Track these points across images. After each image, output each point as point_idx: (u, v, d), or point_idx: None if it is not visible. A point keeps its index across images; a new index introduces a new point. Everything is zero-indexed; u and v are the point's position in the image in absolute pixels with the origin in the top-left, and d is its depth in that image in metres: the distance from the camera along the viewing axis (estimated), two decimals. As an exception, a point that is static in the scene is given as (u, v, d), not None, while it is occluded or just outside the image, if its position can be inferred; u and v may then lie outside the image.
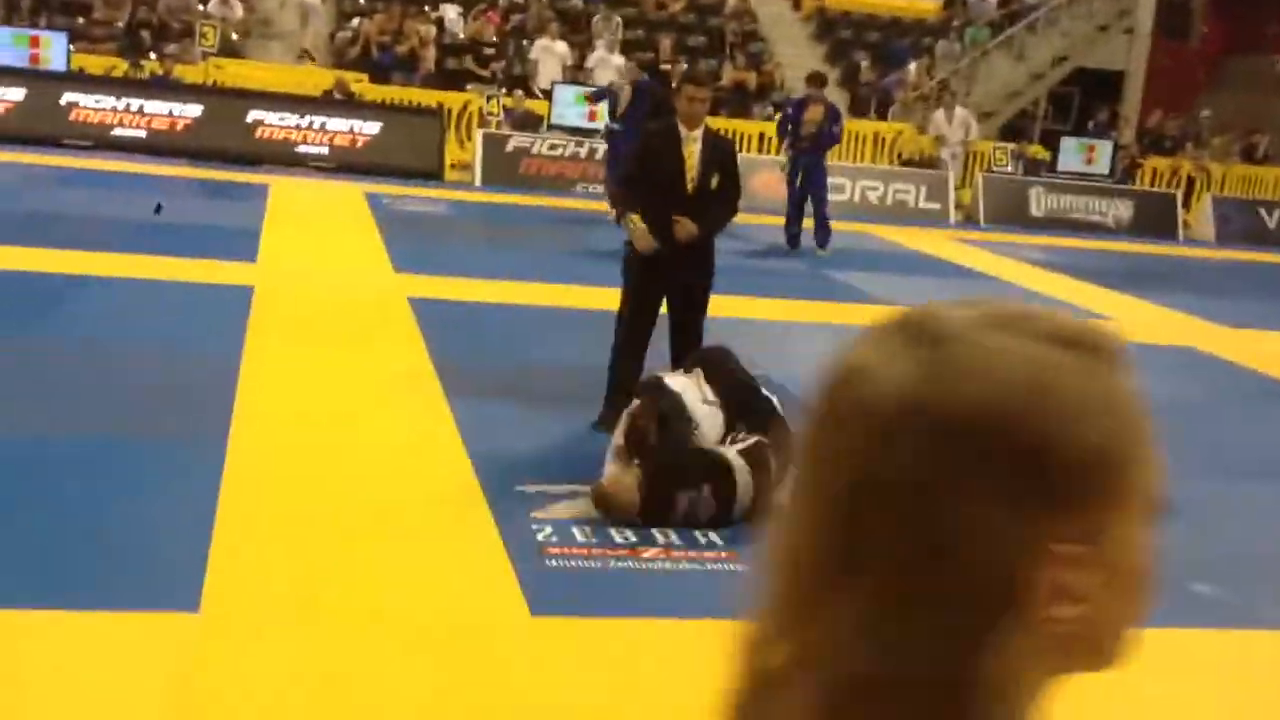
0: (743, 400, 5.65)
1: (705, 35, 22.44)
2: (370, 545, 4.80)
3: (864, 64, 22.03)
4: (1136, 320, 11.42)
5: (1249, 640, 4.69)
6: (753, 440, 5.38)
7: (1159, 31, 27.90)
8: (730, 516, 5.18)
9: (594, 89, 16.50)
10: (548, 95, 17.77)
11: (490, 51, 19.53)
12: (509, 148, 17.07)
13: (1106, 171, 18.90)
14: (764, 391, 5.76)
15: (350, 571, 4.55)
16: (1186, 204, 19.48)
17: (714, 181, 6.43)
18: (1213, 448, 7.31)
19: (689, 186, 6.37)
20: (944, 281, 12.70)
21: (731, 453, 5.32)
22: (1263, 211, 19.36)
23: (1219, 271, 15.95)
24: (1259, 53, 30.49)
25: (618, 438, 5.61)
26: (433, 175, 16.50)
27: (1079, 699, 3.03)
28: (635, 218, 6.32)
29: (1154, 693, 4.20)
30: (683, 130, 6.41)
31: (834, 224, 13.84)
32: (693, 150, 6.39)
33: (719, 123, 15.83)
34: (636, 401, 5.70)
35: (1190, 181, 20.25)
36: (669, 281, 6.41)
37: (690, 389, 5.69)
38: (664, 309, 6.57)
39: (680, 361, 6.34)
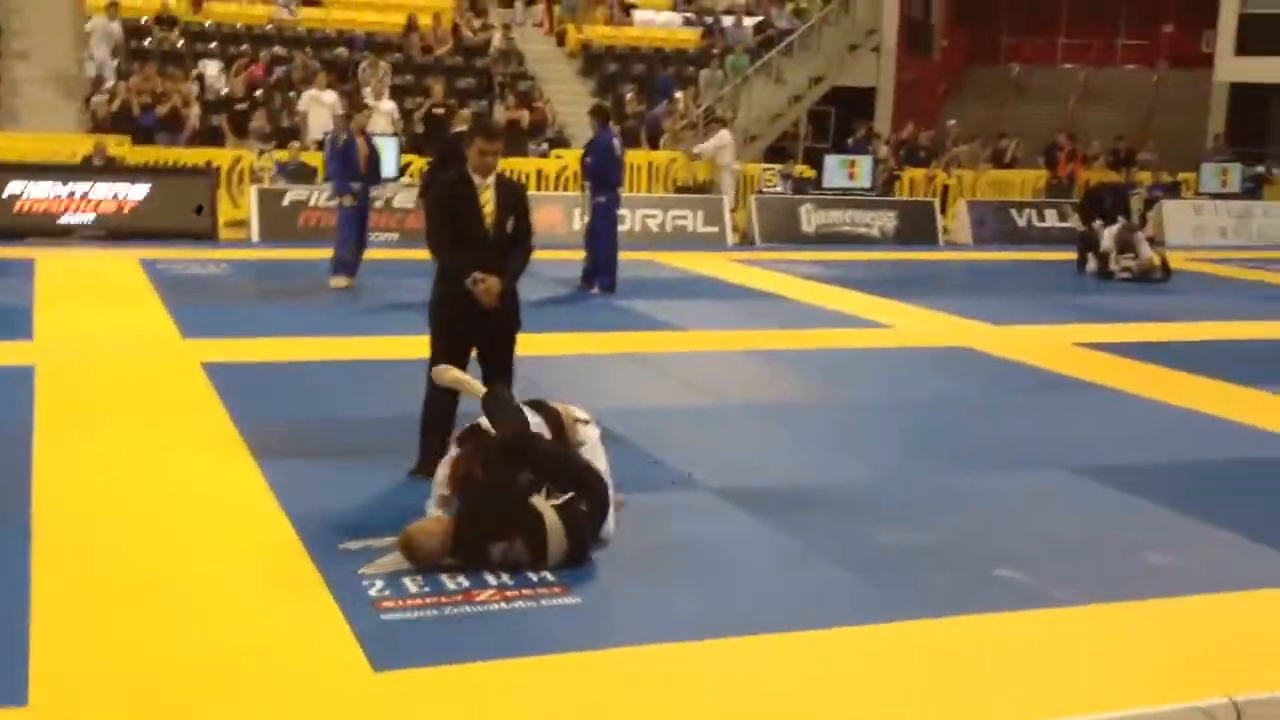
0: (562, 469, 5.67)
1: (474, 77, 22.55)
2: (199, 616, 4.72)
3: (629, 96, 22.49)
4: (911, 324, 12.02)
5: (1052, 619, 5.03)
6: (567, 496, 5.41)
7: (903, 47, 29.39)
8: (544, 566, 5.23)
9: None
10: (320, 146, 17.55)
11: (249, 106, 19.13)
12: (285, 202, 16.80)
13: (869, 185, 19.77)
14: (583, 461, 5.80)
15: (182, 645, 4.46)
16: (944, 210, 20.52)
17: (510, 224, 6.55)
18: (996, 441, 7.79)
19: (489, 232, 6.48)
20: (728, 303, 13.09)
21: (546, 505, 5.33)
22: (1013, 212, 20.54)
23: (979, 272, 16.87)
24: (997, 62, 32.41)
25: (439, 486, 5.68)
26: (207, 235, 16.10)
27: (905, 680, 3.23)
28: (476, 275, 6.30)
29: (968, 673, 4.49)
30: (475, 179, 6.50)
31: (621, 253, 14.02)
32: (488, 197, 6.49)
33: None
34: (455, 450, 5.76)
35: (945, 189, 21.35)
36: (476, 327, 6.48)
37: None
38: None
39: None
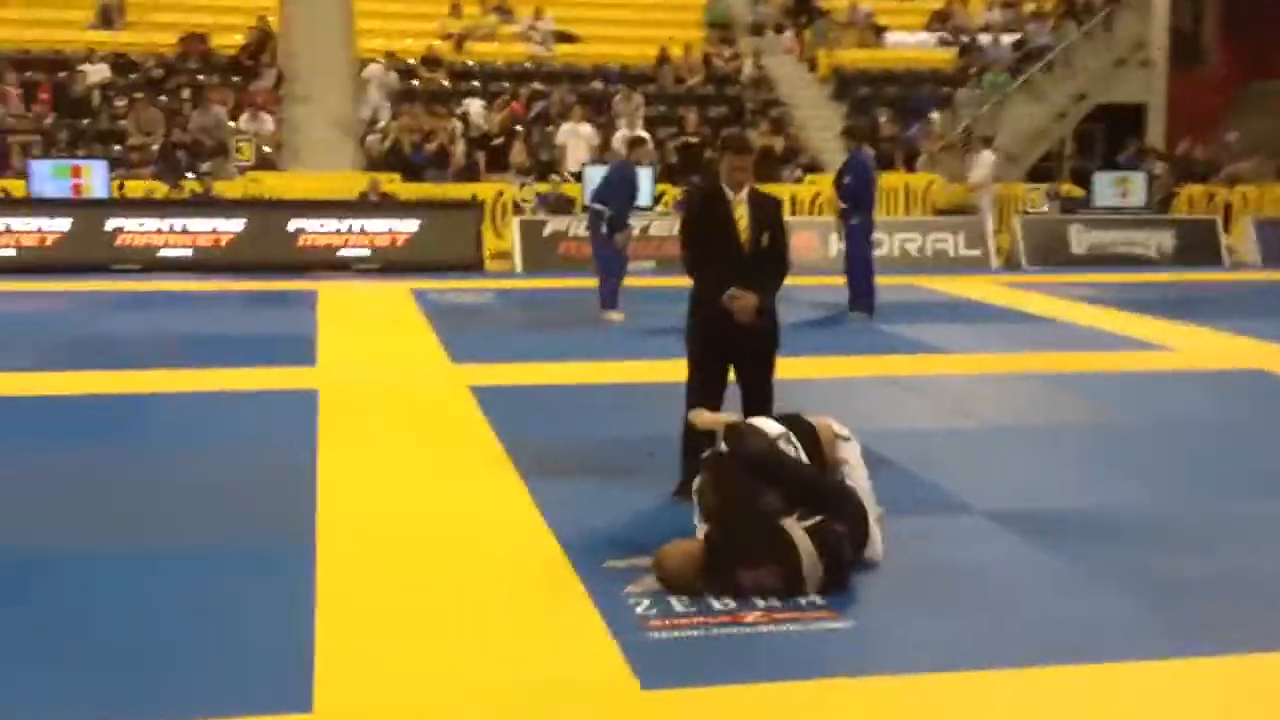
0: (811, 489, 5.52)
1: (726, 105, 22.67)
2: (471, 629, 4.81)
3: (883, 119, 22.14)
4: (1195, 346, 11.35)
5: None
6: (818, 519, 5.24)
7: (1174, 61, 28.00)
8: (800, 592, 5.06)
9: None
10: (577, 177, 17.96)
11: (507, 140, 19.71)
12: (545, 232, 17.24)
13: (1143, 203, 18.86)
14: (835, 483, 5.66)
15: (456, 656, 4.55)
16: (1227, 228, 19.38)
17: (765, 239, 6.46)
18: (1294, 466, 7.23)
19: (743, 248, 6.41)
20: (994, 326, 12.67)
21: (798, 529, 5.18)
22: (1304, 229, 19.26)
23: (1269, 293, 15.83)
24: (1275, 77, 30.52)
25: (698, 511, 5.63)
26: (474, 266, 16.67)
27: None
28: (732, 292, 6.27)
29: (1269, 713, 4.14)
30: (729, 193, 6.45)
31: (880, 278, 13.75)
32: (742, 212, 6.42)
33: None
34: (705, 472, 5.68)
35: (1228, 206, 20.17)
36: (733, 348, 6.43)
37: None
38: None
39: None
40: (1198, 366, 10.42)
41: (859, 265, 13.21)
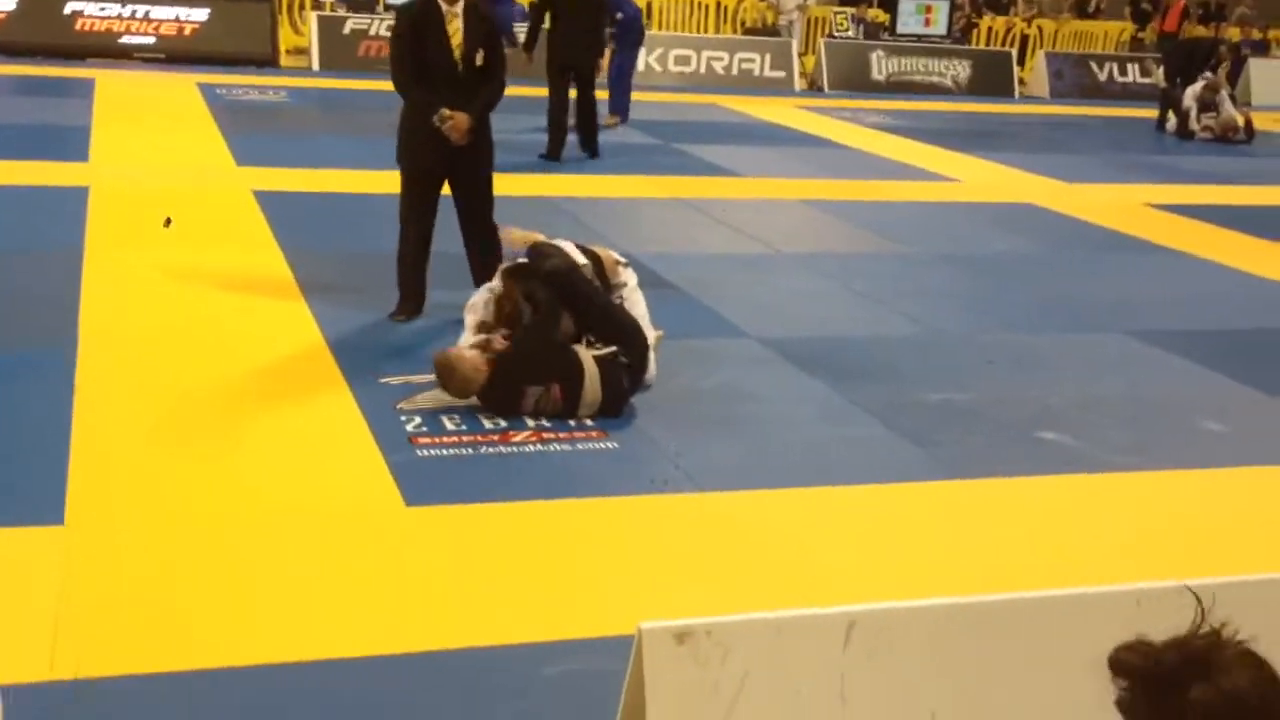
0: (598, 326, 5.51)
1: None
2: (236, 444, 4.75)
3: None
4: (978, 179, 11.71)
5: (1099, 484, 4.94)
6: (608, 350, 5.32)
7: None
8: (573, 415, 5.16)
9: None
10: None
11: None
12: (346, 30, 16.57)
13: (944, 32, 19.15)
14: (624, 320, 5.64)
15: (218, 469, 4.50)
16: (1021, 61, 19.86)
17: (479, 58, 6.25)
18: (1053, 300, 7.60)
19: (457, 65, 6.18)
20: (790, 150, 12.82)
21: (587, 356, 5.26)
22: (1094, 66, 19.86)
23: (1054, 127, 16.38)
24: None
25: (475, 312, 5.59)
26: (267, 62, 15.96)
27: (932, 548, 3.17)
28: (445, 112, 6.07)
29: (1004, 537, 4.43)
30: (443, 6, 6.15)
31: (683, 95, 13.74)
32: (456, 27, 6.18)
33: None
34: (501, 281, 5.64)
35: (1024, 39, 20.63)
36: (447, 166, 6.28)
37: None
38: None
39: (476, 250, 6.39)
40: (980, 199, 10.77)
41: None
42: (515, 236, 6.07)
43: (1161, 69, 16.91)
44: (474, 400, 5.20)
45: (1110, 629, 2.38)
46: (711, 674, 2.17)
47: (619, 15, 12.52)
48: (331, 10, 16.93)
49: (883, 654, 2.23)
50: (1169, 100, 15.89)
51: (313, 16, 16.70)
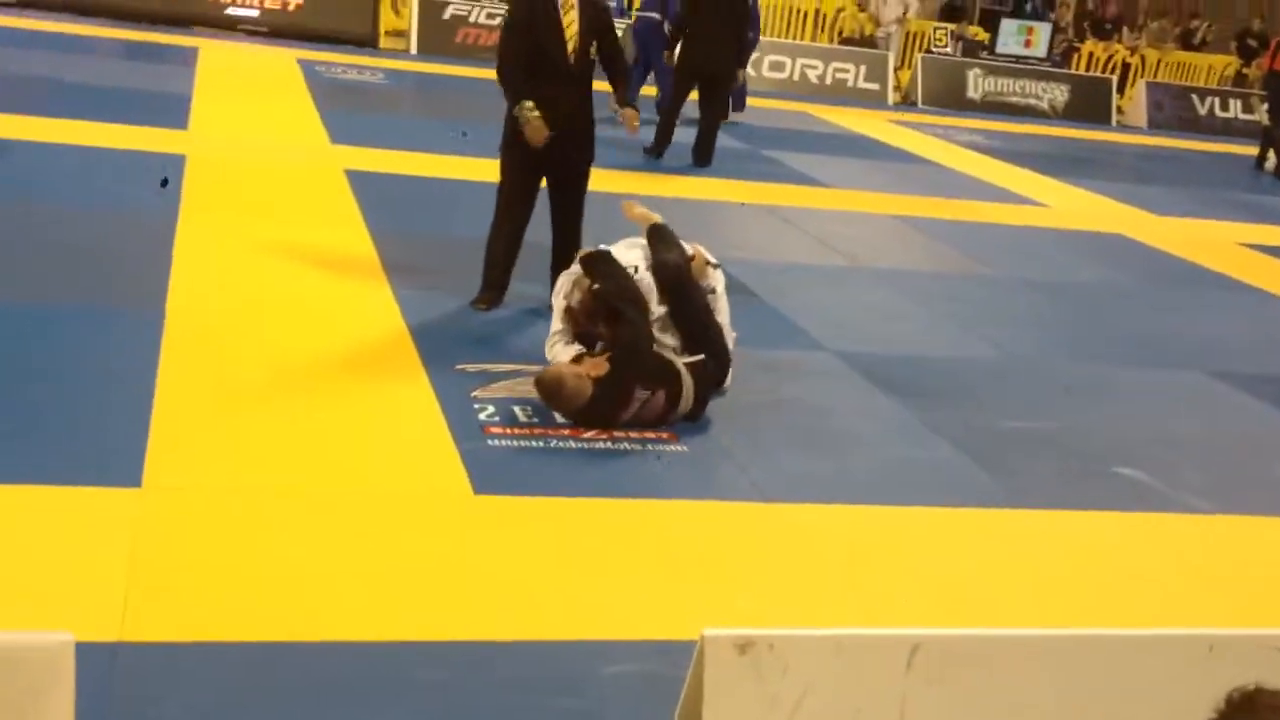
0: (694, 332, 5.44)
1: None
2: (312, 420, 4.83)
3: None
4: (1069, 206, 11.57)
5: (1170, 525, 4.87)
6: (697, 358, 5.27)
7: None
8: (666, 422, 5.12)
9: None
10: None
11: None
12: (446, 15, 16.72)
13: (1044, 55, 18.92)
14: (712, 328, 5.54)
15: (293, 445, 4.57)
16: (1121, 90, 19.58)
17: (593, 50, 6.20)
18: (1136, 334, 7.50)
19: (570, 58, 6.12)
20: (879, 164, 12.74)
21: (681, 364, 5.21)
22: (1195, 98, 19.52)
23: (1150, 158, 16.13)
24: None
25: (566, 321, 5.47)
26: (367, 42, 16.15)
27: (998, 576, 3.14)
28: (529, 105, 6.00)
29: (1071, 570, 4.38)
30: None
31: (776, 102, 13.70)
32: (571, 18, 6.11)
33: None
34: (583, 275, 5.43)
35: (1125, 67, 20.32)
36: (551, 160, 6.24)
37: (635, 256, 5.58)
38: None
39: (560, 241, 6.35)
40: (1069, 226, 10.64)
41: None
42: (636, 213, 5.96)
43: (1266, 106, 16.55)
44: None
45: (1178, 671, 2.36)
46: (771, 687, 2.18)
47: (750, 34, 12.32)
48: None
49: (945, 680, 2.23)
50: (1270, 139, 15.57)
51: (414, 0, 16.87)
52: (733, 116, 13.20)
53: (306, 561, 3.78)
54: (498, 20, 16.60)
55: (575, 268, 5.60)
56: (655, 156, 10.98)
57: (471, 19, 16.67)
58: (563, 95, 6.11)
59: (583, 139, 6.32)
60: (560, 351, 5.35)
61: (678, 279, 5.49)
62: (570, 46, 6.12)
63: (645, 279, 5.46)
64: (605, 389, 4.99)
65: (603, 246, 5.67)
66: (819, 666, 2.22)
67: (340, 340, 5.73)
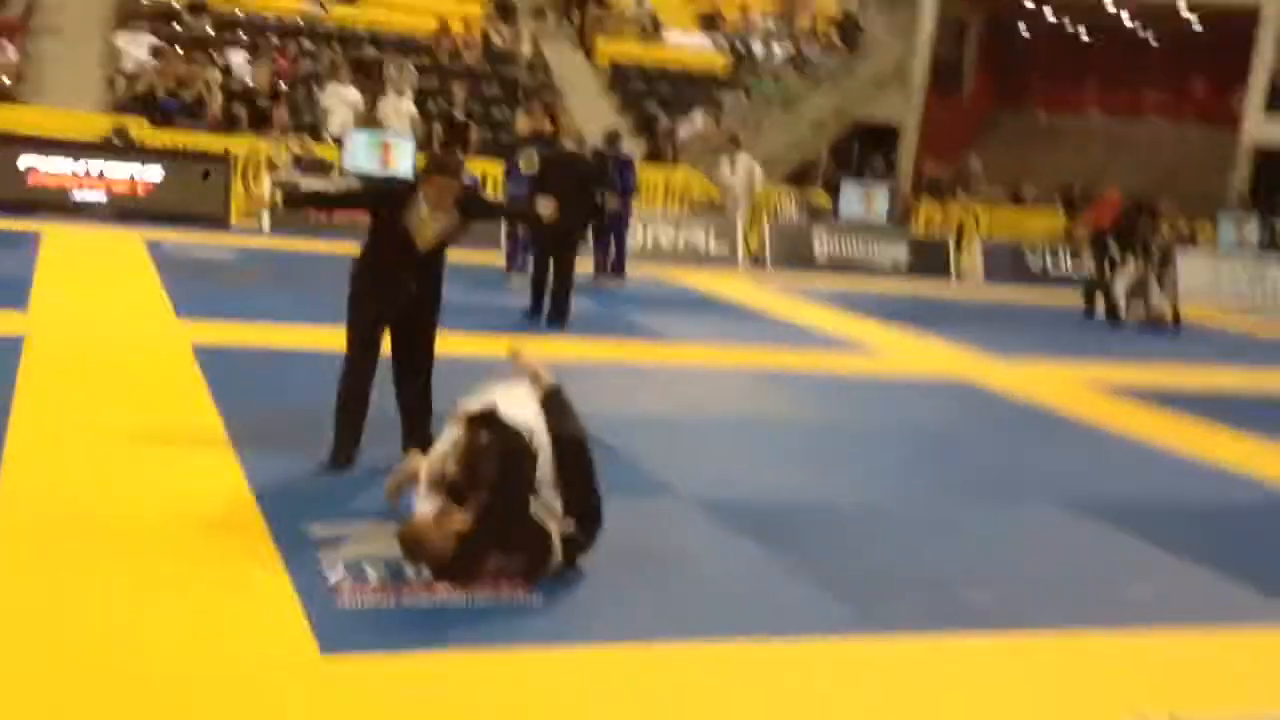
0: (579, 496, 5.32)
1: (500, 84, 22.57)
2: (154, 591, 4.66)
3: (661, 114, 22.48)
4: (915, 355, 11.92)
5: (1020, 645, 4.93)
6: (571, 530, 5.16)
7: (932, 86, 29.34)
8: (527, 586, 4.98)
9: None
10: (338, 142, 17.59)
11: (276, 99, 19.15)
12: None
13: (884, 217, 19.69)
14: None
15: (131, 619, 4.40)
16: (958, 247, 20.42)
17: (444, 242, 6.46)
18: (983, 472, 7.68)
19: (420, 250, 6.38)
20: (732, 321, 13.01)
21: (554, 531, 5.11)
22: (1027, 253, 20.44)
23: (989, 310, 16.75)
24: (1025, 107, 32.37)
25: (434, 474, 5.22)
26: (219, 221, 16.10)
27: (863, 704, 3.13)
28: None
29: (933, 694, 4.39)
30: (423, 209, 6.30)
31: (633, 266, 14.04)
32: (431, 225, 6.35)
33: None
34: (464, 432, 5.22)
35: (961, 226, 21.24)
36: (397, 319, 6.42)
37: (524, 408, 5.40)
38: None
39: (410, 406, 6.45)
40: (913, 373, 10.95)
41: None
42: (528, 364, 5.84)
43: (1094, 261, 17.30)
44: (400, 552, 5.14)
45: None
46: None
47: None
48: (287, 175, 17.15)
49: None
50: (1094, 288, 16.28)
51: (266, 179, 16.92)
52: (611, 283, 14.40)
53: (140, 732, 3.60)
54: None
55: (451, 433, 5.34)
56: (536, 316, 11.60)
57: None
58: (408, 281, 6.35)
59: (429, 294, 6.48)
60: (420, 503, 5.19)
61: (578, 451, 5.38)
62: (422, 242, 6.35)
63: (540, 438, 5.25)
64: (460, 556, 4.88)
65: (485, 399, 5.42)
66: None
67: (183, 510, 5.57)
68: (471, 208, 6.74)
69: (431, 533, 4.92)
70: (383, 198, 6.64)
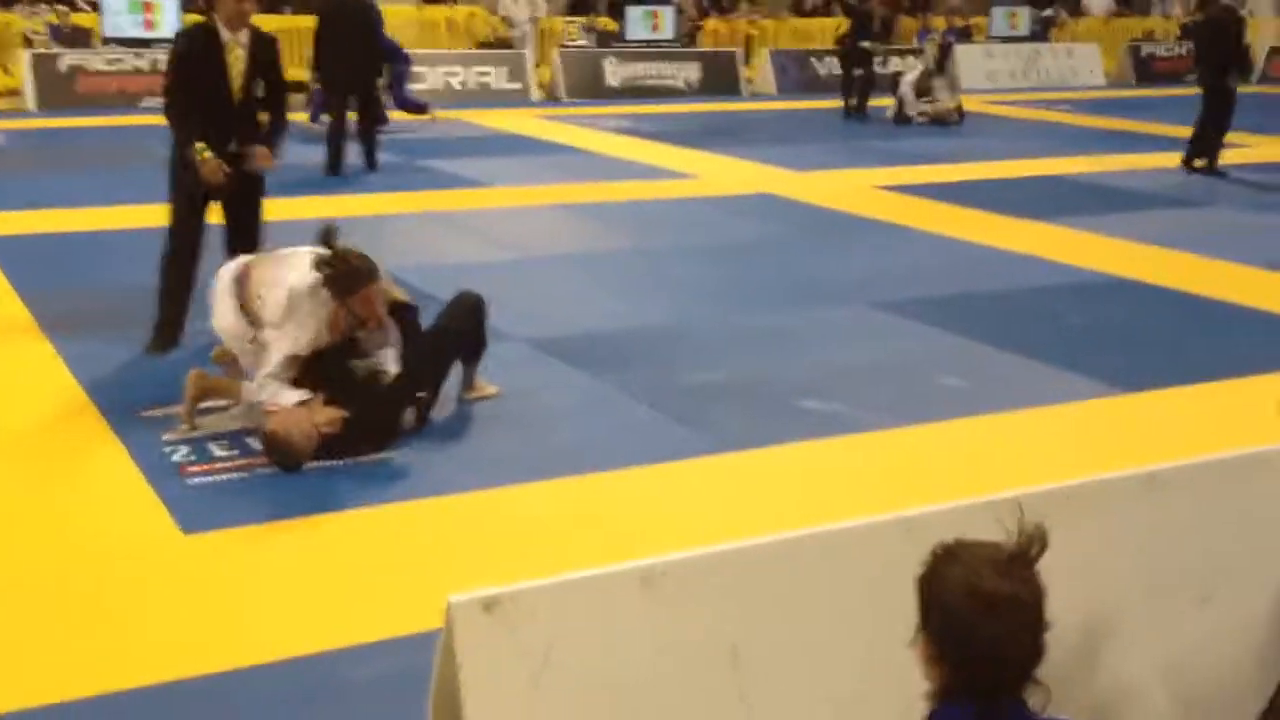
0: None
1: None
2: (1, 492, 4.57)
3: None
4: (716, 174, 12.11)
5: (859, 443, 5.23)
6: (419, 395, 5.23)
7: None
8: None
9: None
10: (94, 7, 16.60)
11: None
12: (61, 67, 15.86)
13: (672, 37, 19.66)
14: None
15: (-22, 524, 4.32)
16: (747, 61, 20.56)
17: (260, 89, 6.16)
18: (794, 281, 7.97)
19: (235, 98, 6.07)
20: (533, 158, 12.96)
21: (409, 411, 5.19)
22: (814, 61, 20.72)
23: (783, 121, 17.03)
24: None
25: (288, 352, 5.01)
26: (-23, 106, 15.15)
27: (711, 517, 3.33)
28: (200, 147, 5.92)
29: (776, 500, 4.66)
30: (225, 34, 6.01)
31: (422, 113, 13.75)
32: (238, 56, 6.05)
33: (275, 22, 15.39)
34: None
35: (748, 39, 21.35)
36: (220, 191, 6.16)
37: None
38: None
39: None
40: (719, 193, 11.14)
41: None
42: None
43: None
44: (239, 421, 5.14)
45: (884, 555, 2.59)
46: (521, 638, 2.26)
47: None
48: (46, 49, 16.16)
49: (680, 601, 2.36)
50: (852, 82, 16.69)
51: (25, 55, 15.92)
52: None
53: (17, 625, 3.59)
54: (117, 66, 15.91)
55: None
56: (335, 173, 11.50)
57: (91, 67, 15.88)
58: (230, 133, 6.06)
59: (250, 176, 6.24)
60: (281, 394, 4.96)
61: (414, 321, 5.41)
62: (235, 85, 6.05)
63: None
64: (335, 447, 4.86)
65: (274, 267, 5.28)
66: (562, 610, 2.31)
67: (11, 408, 5.42)
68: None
69: (297, 434, 4.78)
70: (185, 38, 6.25)
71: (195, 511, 4.41)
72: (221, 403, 5.36)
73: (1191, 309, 7.48)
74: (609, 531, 4.37)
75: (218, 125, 6.01)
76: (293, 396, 4.94)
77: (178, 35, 6.62)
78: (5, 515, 4.38)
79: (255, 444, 4.99)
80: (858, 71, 16.80)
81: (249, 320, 5.13)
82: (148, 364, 6.02)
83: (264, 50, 6.16)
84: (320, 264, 5.01)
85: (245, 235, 6.24)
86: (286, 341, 4.97)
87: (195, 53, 6.04)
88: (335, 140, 11.54)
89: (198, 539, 4.23)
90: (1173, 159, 12.81)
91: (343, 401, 4.94)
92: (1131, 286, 7.95)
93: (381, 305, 5.19)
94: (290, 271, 5.10)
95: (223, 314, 5.22)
